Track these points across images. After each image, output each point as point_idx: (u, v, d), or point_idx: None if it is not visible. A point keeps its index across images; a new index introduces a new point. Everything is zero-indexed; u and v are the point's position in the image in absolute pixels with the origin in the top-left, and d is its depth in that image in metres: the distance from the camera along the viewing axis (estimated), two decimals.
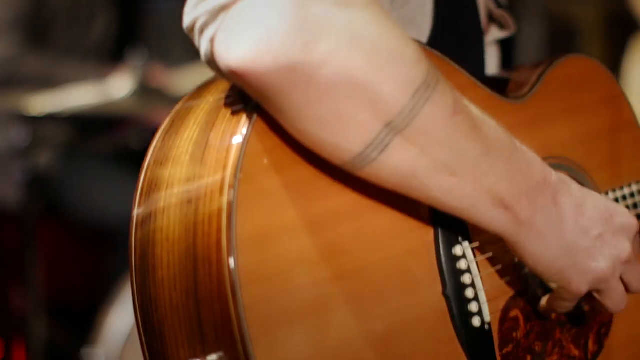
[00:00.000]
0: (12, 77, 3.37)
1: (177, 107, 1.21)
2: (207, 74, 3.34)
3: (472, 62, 1.45)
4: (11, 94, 3.36)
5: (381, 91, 1.07)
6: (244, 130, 1.10)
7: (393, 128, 1.09)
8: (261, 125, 1.11)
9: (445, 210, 1.18)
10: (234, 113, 1.13)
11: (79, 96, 3.00)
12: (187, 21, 1.12)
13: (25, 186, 3.03)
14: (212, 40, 1.09)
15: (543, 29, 5.16)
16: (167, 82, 3.40)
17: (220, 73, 1.11)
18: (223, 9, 1.08)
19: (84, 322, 3.49)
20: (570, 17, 5.17)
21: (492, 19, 1.56)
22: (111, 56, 3.64)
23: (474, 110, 1.16)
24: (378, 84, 1.07)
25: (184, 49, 4.86)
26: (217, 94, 1.17)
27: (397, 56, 1.08)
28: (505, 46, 1.58)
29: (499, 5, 1.58)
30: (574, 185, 1.24)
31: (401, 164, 1.11)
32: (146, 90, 2.99)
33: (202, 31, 1.10)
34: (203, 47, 1.10)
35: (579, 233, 1.22)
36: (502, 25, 1.56)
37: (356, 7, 1.07)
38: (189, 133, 1.15)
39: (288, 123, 1.10)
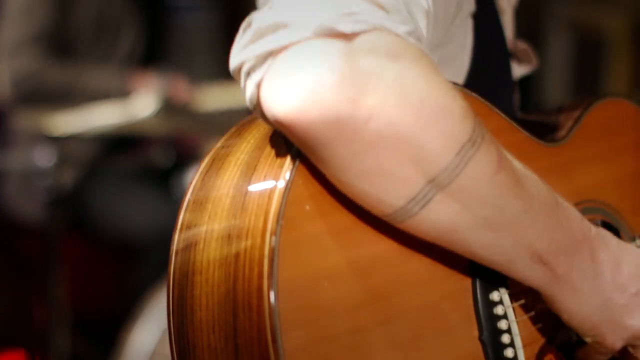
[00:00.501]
0: (35, 91, 3.39)
1: (218, 145, 1.20)
2: (231, 90, 3.34)
3: (505, 101, 1.46)
4: (35, 109, 3.37)
5: (426, 147, 1.07)
6: (287, 176, 1.10)
7: (436, 184, 1.09)
8: (303, 171, 1.11)
9: (483, 264, 1.18)
10: (276, 157, 1.13)
11: (103, 115, 3.00)
12: (234, 63, 1.11)
13: (49, 204, 3.04)
14: (258, 85, 1.08)
15: (570, 40, 5.14)
16: (191, 98, 3.41)
17: (265, 118, 1.11)
18: (271, 54, 1.07)
19: (108, 336, 3.51)
20: (598, 27, 5.15)
21: (513, 51, 1.56)
22: (137, 71, 3.66)
23: (517, 165, 1.16)
24: (424, 140, 1.06)
25: (208, 63, 4.88)
26: (258, 135, 1.17)
27: (444, 113, 1.07)
28: (525, 82, 1.58)
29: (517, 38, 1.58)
30: (613, 241, 1.24)
31: (442, 219, 1.11)
32: (170, 108, 2.99)
33: (248, 74, 1.09)
34: (249, 90, 1.10)
35: (616, 290, 1.22)
36: (521, 59, 1.56)
37: (406, 60, 1.07)
38: (230, 175, 1.15)
39: (331, 173, 1.10)
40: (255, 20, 1.09)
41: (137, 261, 3.43)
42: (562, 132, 1.40)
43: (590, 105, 1.44)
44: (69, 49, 3.51)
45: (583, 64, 4.93)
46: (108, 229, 3.43)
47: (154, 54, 3.81)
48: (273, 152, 1.14)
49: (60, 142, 3.08)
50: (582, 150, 1.40)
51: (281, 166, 1.11)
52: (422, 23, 1.18)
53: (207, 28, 4.93)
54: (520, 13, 1.65)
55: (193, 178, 1.19)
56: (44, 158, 3.10)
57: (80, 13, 3.52)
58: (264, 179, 1.12)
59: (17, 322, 3.82)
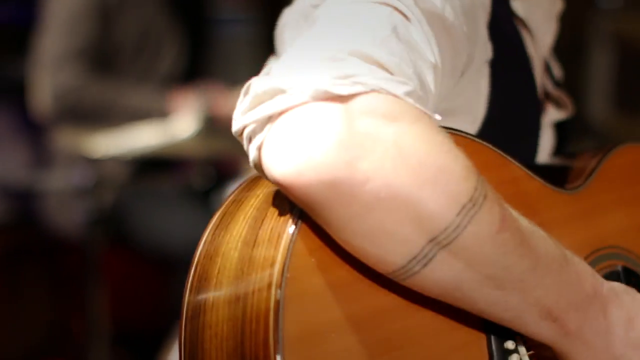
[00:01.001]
0: (76, 107, 3.40)
1: (230, 198, 1.22)
2: None
3: (527, 145, 1.45)
4: (75, 126, 3.40)
5: (426, 208, 1.06)
6: (291, 230, 1.11)
7: (437, 243, 1.08)
8: (307, 227, 1.12)
9: (491, 320, 1.18)
10: (281, 212, 1.14)
11: (143, 136, 3.02)
12: (235, 127, 1.13)
13: (89, 223, 3.07)
14: (259, 149, 1.10)
15: (614, 54, 5.10)
16: (232, 110, 3.41)
17: (268, 179, 1.12)
18: (270, 119, 1.09)
19: (146, 350, 3.53)
20: None
21: (548, 97, 1.55)
22: (178, 87, 3.67)
23: (523, 222, 1.15)
24: (423, 201, 1.06)
25: (249, 76, 4.91)
26: (266, 189, 1.19)
27: (444, 173, 1.07)
28: (562, 127, 1.57)
29: (557, 84, 1.57)
30: (627, 297, 1.23)
31: (445, 277, 1.11)
32: (211, 128, 3.00)
33: (250, 139, 1.11)
34: (251, 154, 1.11)
35: (629, 346, 1.21)
36: (559, 104, 1.56)
37: (404, 122, 1.07)
38: (238, 229, 1.17)
39: (332, 232, 1.10)
40: (253, 86, 1.11)
41: (176, 276, 3.45)
42: (581, 179, 1.39)
43: (609, 152, 1.43)
44: (110, 64, 3.53)
45: (627, 79, 4.88)
46: (147, 243, 3.46)
47: (195, 68, 3.82)
48: (279, 207, 1.15)
49: (100, 164, 3.10)
50: (602, 197, 1.39)
51: (286, 221, 1.13)
52: (429, 77, 1.18)
53: (249, 41, 4.95)
54: (563, 27, 1.64)
55: (205, 232, 1.20)
56: (83, 178, 3.13)
57: (122, 28, 3.53)
58: (270, 233, 1.13)
59: (57, 335, 3.87)
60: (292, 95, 1.07)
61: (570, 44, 1.54)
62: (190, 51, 3.75)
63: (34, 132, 4.07)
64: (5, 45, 4.73)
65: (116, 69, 3.54)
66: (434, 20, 1.23)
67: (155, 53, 3.61)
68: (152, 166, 3.38)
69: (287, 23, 1.43)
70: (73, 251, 3.54)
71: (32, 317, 3.91)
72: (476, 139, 1.25)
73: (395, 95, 1.08)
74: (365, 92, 1.07)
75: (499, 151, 1.28)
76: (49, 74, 3.44)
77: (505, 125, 1.40)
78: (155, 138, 3.01)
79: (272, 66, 1.14)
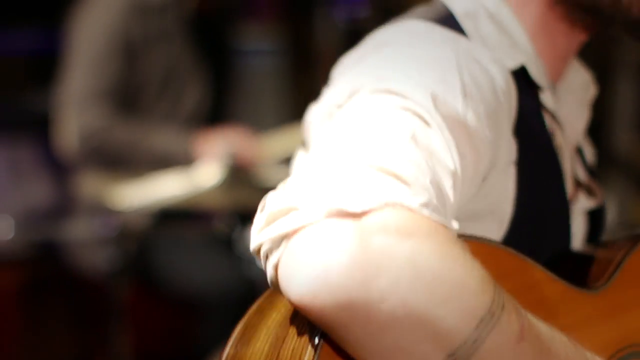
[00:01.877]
0: (100, 148, 3.40)
1: (252, 309, 1.21)
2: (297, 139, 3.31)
3: (558, 238, 1.43)
4: (99, 169, 3.41)
5: (443, 324, 1.05)
6: (312, 351, 1.10)
7: (456, 358, 1.07)
8: (328, 346, 1.10)
9: None
10: (302, 331, 1.13)
11: (166, 186, 3.01)
12: (252, 244, 1.12)
13: (113, 268, 3.08)
14: (275, 268, 1.09)
15: (638, 85, 5.08)
16: (257, 154, 3.40)
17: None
18: (285, 237, 1.08)
19: None
20: None
21: (579, 185, 1.53)
22: (204, 126, 3.67)
23: (543, 329, 1.14)
24: (440, 318, 1.05)
25: (274, 106, 4.90)
26: (287, 302, 1.17)
27: (460, 288, 1.06)
28: (594, 215, 1.55)
29: (589, 171, 1.55)
30: None
31: None
32: (235, 176, 2.99)
33: (266, 257, 1.10)
34: (268, 272, 1.11)
35: None
36: (590, 192, 1.54)
37: (418, 237, 1.06)
38: (260, 346, 1.16)
39: (351, 352, 1.09)
40: (269, 202, 1.11)
41: (199, 317, 3.45)
42: (606, 274, 1.38)
43: (635, 244, 1.42)
44: (134, 102, 3.52)
45: None
46: (170, 284, 3.46)
47: (220, 101, 3.81)
48: (300, 325, 1.14)
49: (124, 214, 3.10)
50: (627, 293, 1.37)
51: (307, 342, 1.11)
52: (448, 185, 1.17)
53: (272, 72, 4.95)
54: (588, 58, 1.63)
55: (227, 344, 1.19)
56: (107, 228, 3.13)
57: (147, 66, 3.52)
58: (292, 354, 1.12)
59: None
60: (306, 212, 1.07)
61: (595, 73, 1.52)
62: (214, 84, 3.74)
63: (57, 166, 4.09)
64: (27, 77, 4.76)
65: (141, 107, 3.53)
66: (455, 126, 1.22)
67: (180, 89, 3.60)
68: (176, 215, 3.38)
69: (314, 121, 1.42)
70: (97, 287, 3.55)
71: (55, 351, 3.92)
72: (496, 245, 1.24)
73: (410, 209, 1.07)
74: (380, 208, 1.06)
75: (519, 255, 1.26)
76: (75, 115, 3.42)
77: (534, 223, 1.38)
78: (179, 187, 3.00)
79: (288, 181, 1.13)
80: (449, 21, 1.39)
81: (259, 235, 1.11)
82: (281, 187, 1.13)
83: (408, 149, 1.14)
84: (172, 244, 3.41)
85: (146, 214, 3.18)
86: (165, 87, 3.56)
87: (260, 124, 4.77)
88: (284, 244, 1.08)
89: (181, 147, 3.42)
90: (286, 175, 3.20)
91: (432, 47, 1.31)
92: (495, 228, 1.35)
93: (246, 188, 3.06)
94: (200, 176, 3.00)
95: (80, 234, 3.46)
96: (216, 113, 3.76)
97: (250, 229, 3.13)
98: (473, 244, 1.14)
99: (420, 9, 1.45)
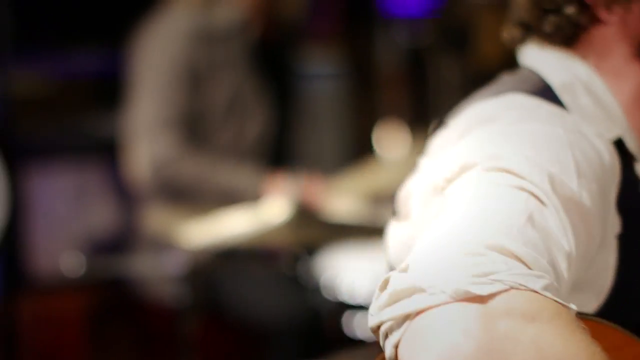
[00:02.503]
0: (172, 178, 3.41)
1: None
2: (364, 176, 3.29)
3: None
4: (169, 199, 3.42)
5: None
6: None
7: None
8: None
9: None
10: None
11: (233, 223, 3.01)
12: (372, 322, 1.12)
13: (181, 304, 3.09)
14: (395, 347, 1.09)
15: None
16: (325, 197, 3.41)
17: None
18: (408, 317, 1.08)
19: None
20: None
21: None
22: (268, 159, 3.67)
23: None
24: None
25: (335, 129, 4.89)
26: None
27: None
28: None
29: None
30: None
31: None
32: (302, 215, 2.98)
33: (386, 335, 1.10)
34: (387, 350, 1.11)
35: None
36: None
37: (542, 320, 1.06)
38: None
39: None
40: (392, 283, 1.11)
41: (265, 347, 3.45)
42: None
43: None
44: (199, 131, 3.53)
45: None
46: (236, 315, 3.46)
47: (284, 126, 3.81)
48: None
49: (191, 252, 3.11)
50: None
51: None
52: (563, 265, 1.18)
53: (336, 95, 4.96)
54: None
55: None
56: (174, 265, 3.13)
57: (211, 93, 3.53)
58: None
59: None
60: (432, 294, 1.07)
61: None
62: (278, 109, 3.74)
63: (123, 192, 4.12)
64: (92, 100, 4.80)
65: (206, 135, 3.54)
66: (571, 206, 1.23)
67: (245, 116, 3.61)
68: (243, 252, 3.38)
69: (414, 192, 1.43)
70: (164, 318, 3.57)
71: None
72: (603, 322, 1.23)
73: (533, 291, 1.08)
74: (505, 290, 1.07)
75: (622, 330, 1.25)
76: (146, 144, 3.43)
77: (632, 294, 1.38)
78: (247, 224, 3.00)
79: (410, 260, 1.13)
80: (547, 94, 1.40)
81: (380, 313, 1.11)
82: (403, 267, 1.13)
83: (526, 230, 1.15)
84: (239, 276, 3.42)
85: (213, 252, 3.19)
86: (230, 114, 3.57)
87: (323, 147, 4.79)
88: (406, 324, 1.08)
89: (250, 184, 3.43)
90: (350, 213, 3.17)
91: (541, 124, 1.32)
92: (594, 299, 1.36)
93: (313, 226, 3.06)
94: (267, 213, 3.00)
95: (147, 269, 3.48)
96: (280, 138, 3.76)
97: (315, 261, 3.11)
98: (587, 322, 1.14)
99: (513, 79, 1.46)
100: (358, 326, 3.09)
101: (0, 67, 3.59)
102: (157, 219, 3.51)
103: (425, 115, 5.58)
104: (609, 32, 1.43)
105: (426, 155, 1.46)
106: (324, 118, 4.88)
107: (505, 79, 1.48)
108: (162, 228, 3.40)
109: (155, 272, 3.40)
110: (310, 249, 3.27)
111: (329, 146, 4.81)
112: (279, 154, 3.77)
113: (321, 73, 4.95)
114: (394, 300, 1.09)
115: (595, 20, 1.43)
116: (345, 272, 3.17)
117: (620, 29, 1.43)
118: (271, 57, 3.77)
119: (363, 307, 3.09)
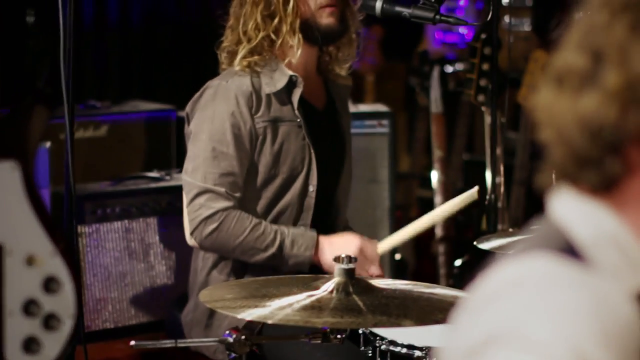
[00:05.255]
0: (224, 239, 3.48)
1: None
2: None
3: None
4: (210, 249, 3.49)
5: None
6: None
7: None
8: None
9: None
10: None
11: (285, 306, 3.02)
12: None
13: None
14: None
15: None
16: (375, 262, 3.45)
17: None
18: None
19: None
20: None
21: None
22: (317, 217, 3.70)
23: None
24: None
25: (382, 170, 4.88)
26: None
27: None
28: None
29: None
30: None
31: None
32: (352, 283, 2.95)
33: None
34: None
35: None
36: None
37: None
38: None
39: None
40: None
41: None
42: None
43: None
44: (245, 191, 3.57)
45: None
46: None
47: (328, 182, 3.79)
48: None
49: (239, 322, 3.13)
50: None
51: None
52: None
53: (380, 151, 4.96)
54: None
55: None
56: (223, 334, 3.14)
57: (258, 155, 3.59)
58: None
59: None
60: None
61: None
62: (324, 164, 3.73)
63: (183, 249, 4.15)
64: None
65: (250, 195, 3.59)
66: None
67: (287, 175, 3.64)
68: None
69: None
70: None
71: None
72: None
73: None
74: None
75: None
76: (201, 203, 3.50)
77: None
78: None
79: None
80: (572, 250, 1.42)
81: None
82: None
83: None
84: (289, 348, 3.45)
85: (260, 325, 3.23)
86: (274, 174, 3.62)
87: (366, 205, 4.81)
88: None
89: (299, 252, 3.50)
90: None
91: (565, 293, 1.36)
92: None
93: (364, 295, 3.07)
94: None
95: (196, 335, 3.57)
96: (325, 193, 3.76)
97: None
98: None
99: (540, 234, 1.49)
100: None
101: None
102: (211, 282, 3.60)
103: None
104: None
105: (458, 313, 1.49)
106: (367, 173, 4.89)
107: (533, 234, 1.50)
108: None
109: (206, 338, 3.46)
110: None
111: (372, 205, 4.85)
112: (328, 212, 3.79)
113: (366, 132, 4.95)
114: None
115: (633, 170, 1.43)
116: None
117: None
118: (316, 115, 3.79)
119: None
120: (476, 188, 3.51)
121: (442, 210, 3.65)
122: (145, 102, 5.09)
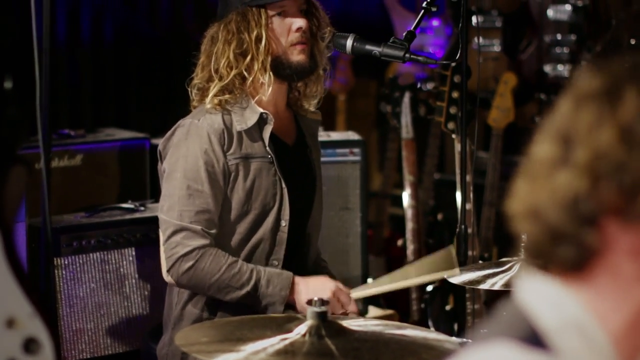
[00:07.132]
0: (198, 277, 3.52)
1: None
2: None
3: None
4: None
5: None
6: None
7: None
8: None
9: None
10: None
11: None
12: None
13: None
14: None
15: None
16: (350, 307, 3.49)
17: None
18: None
19: None
20: None
21: None
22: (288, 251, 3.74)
23: None
24: None
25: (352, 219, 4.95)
26: None
27: None
28: None
29: None
30: None
31: None
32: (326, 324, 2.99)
33: None
34: None
35: None
36: None
37: None
38: None
39: None
40: None
41: None
42: None
43: None
44: (221, 223, 3.61)
45: None
46: None
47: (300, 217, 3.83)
48: None
49: None
50: None
51: None
52: None
53: (352, 180, 5.01)
54: None
55: None
56: None
57: (231, 191, 3.63)
58: None
59: None
60: None
61: None
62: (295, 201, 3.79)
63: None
64: None
65: (223, 229, 3.62)
66: None
67: (260, 211, 3.67)
68: None
69: None
70: None
71: None
72: None
73: None
74: None
75: None
76: (176, 242, 3.54)
77: None
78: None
79: None
80: (536, 339, 1.46)
81: None
82: None
83: None
84: None
85: None
86: (247, 210, 3.66)
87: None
88: None
89: (275, 292, 3.53)
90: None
91: None
92: None
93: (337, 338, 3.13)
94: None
95: None
96: (297, 227, 3.80)
97: None
98: None
99: (504, 321, 1.52)
100: None
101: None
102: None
103: None
104: (621, 252, 1.46)
105: None
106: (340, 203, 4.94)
107: (498, 320, 1.54)
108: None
109: None
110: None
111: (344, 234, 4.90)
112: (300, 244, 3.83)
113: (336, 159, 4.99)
114: None
115: (610, 243, 1.46)
116: None
117: (633, 250, 1.46)
118: (290, 153, 3.84)
119: None
120: (451, 246, 3.48)
121: (418, 270, 3.54)
122: (119, 130, 5.12)
